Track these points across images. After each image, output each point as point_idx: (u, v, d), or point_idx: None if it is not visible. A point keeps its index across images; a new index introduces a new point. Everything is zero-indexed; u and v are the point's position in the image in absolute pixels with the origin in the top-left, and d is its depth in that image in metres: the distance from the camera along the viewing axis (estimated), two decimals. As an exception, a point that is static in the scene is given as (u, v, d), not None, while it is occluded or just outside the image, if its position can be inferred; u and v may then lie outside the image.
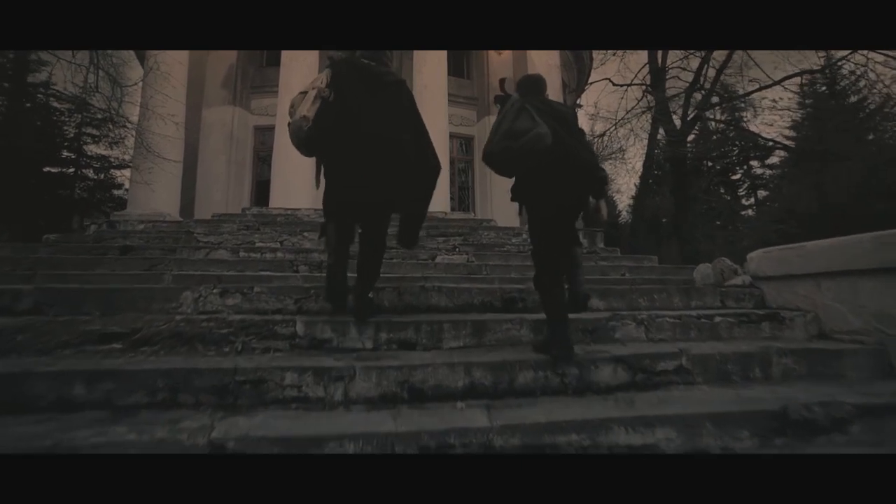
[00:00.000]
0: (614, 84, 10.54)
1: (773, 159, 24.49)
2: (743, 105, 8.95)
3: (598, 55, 12.34)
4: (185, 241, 5.40)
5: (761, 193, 25.75)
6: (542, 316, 2.42)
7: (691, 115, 9.77)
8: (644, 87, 10.68)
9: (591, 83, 10.29)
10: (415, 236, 2.51)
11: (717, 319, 2.65)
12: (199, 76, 11.97)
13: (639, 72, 11.04)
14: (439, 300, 2.70)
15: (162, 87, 8.50)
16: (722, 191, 25.75)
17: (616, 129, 10.63)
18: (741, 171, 26.04)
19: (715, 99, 9.52)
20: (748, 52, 8.46)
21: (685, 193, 9.84)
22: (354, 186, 2.19)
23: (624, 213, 30.86)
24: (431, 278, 4.46)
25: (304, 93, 2.22)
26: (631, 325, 2.53)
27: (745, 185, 26.20)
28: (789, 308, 2.86)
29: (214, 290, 2.55)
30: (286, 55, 9.61)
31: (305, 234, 5.84)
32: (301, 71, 9.45)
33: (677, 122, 10.72)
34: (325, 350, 2.18)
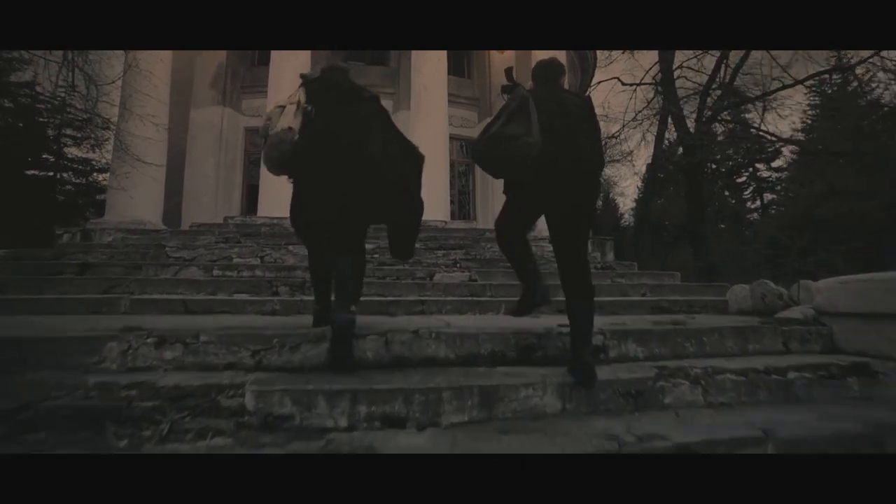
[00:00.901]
0: (623, 84, 9.97)
1: (777, 162, 24.00)
2: (763, 106, 8.37)
3: (603, 53, 11.81)
4: (153, 256, 4.83)
5: (767, 196, 25.26)
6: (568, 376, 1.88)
7: (706, 117, 9.19)
8: (655, 87, 10.13)
9: (598, 83, 9.72)
10: (409, 249, 2.48)
11: (791, 375, 2.08)
12: (187, 75, 11.42)
13: (649, 70, 10.51)
14: (437, 350, 2.13)
15: (142, 85, 7.92)
16: (727, 194, 25.26)
17: (625, 130, 10.10)
18: (746, 174, 25.59)
19: (734, 100, 8.90)
20: (769, 51, 7.90)
21: (700, 200, 9.22)
22: (332, 204, 2.12)
23: (626, 216, 30.26)
24: (429, 302, 3.91)
25: (281, 107, 2.14)
26: (684, 385, 1.97)
27: (751, 188, 25.75)
28: (872, 355, 2.30)
29: (148, 340, 1.98)
30: (276, 53, 9.06)
31: (290, 247, 5.27)
32: (292, 71, 8.90)
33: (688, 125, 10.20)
34: (283, 432, 1.61)
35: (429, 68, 9.66)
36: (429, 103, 9.56)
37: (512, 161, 1.84)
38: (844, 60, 16.07)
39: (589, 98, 2.14)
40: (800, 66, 9.32)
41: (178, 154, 11.10)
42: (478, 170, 12.18)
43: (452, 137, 11.18)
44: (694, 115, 9.35)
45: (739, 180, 25.92)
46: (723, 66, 8.62)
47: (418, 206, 2.38)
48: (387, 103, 11.18)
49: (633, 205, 29.26)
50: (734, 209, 24.63)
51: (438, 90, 9.70)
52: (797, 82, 8.52)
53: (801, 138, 16.88)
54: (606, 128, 12.27)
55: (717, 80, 8.85)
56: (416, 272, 4.71)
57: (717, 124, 10.67)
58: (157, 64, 8.15)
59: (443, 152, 9.50)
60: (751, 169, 25.75)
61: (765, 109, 8.51)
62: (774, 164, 24.89)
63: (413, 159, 2.31)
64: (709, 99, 9.84)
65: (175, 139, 11.12)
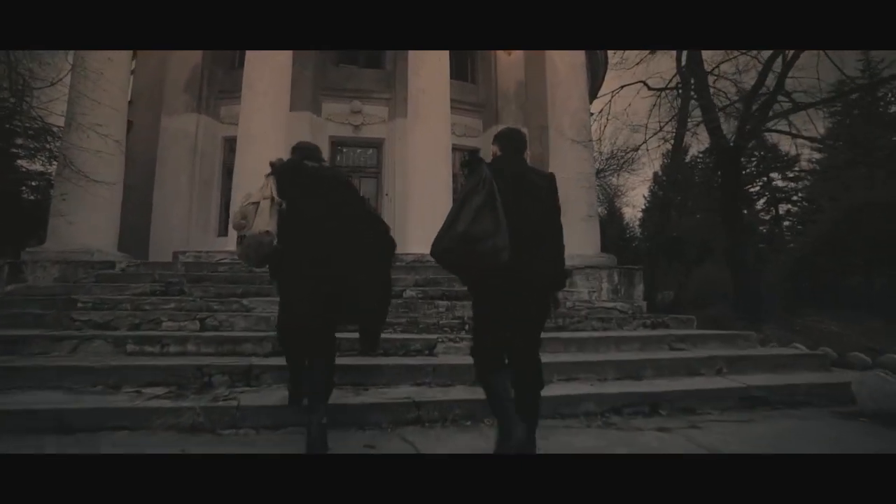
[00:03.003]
0: (650, 88, 8.79)
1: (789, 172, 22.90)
2: (825, 113, 7.19)
3: (614, 57, 10.61)
4: (52, 318, 3.54)
5: (782, 207, 24.17)
6: None
7: (749, 128, 7.98)
8: (677, 90, 8.96)
9: (621, 86, 8.52)
10: (377, 341, 2.43)
11: None
12: (158, 78, 10.24)
13: (674, 76, 9.30)
14: None
15: (88, 89, 6.68)
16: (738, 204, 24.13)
17: (647, 142, 8.89)
18: (760, 183, 24.59)
19: (789, 108, 7.65)
20: (826, 51, 6.70)
21: (739, 223, 7.93)
22: (315, 307, 2.08)
23: (633, 226, 28.90)
24: (427, 404, 2.67)
25: (255, 203, 2.12)
26: None
27: (765, 198, 24.77)
28: None
29: None
30: (252, 52, 7.85)
31: (245, 301, 3.99)
32: (269, 72, 7.71)
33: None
34: None
35: (427, 70, 8.43)
36: (427, 107, 8.32)
37: (480, 266, 1.76)
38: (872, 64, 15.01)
39: (552, 176, 2.05)
40: (826, 67, 8.04)
41: (147, 165, 9.90)
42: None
43: (455, 148, 9.93)
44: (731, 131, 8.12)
45: (752, 190, 24.93)
46: (782, 58, 7.35)
47: (388, 292, 2.39)
48: (381, 109, 9.88)
49: (641, 215, 28.02)
50: (747, 221, 23.55)
51: (439, 94, 8.46)
52: (872, 83, 7.20)
53: (820, 145, 15.66)
54: (629, 138, 11.14)
55: (763, 86, 7.64)
56: (411, 343, 3.43)
57: (772, 135, 9.48)
58: (107, 64, 6.90)
59: (444, 163, 8.23)
60: (764, 178, 24.79)
61: (823, 117, 7.32)
62: (790, 174, 24.03)
63: (388, 244, 2.31)
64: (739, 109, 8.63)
65: (143, 150, 9.92)
